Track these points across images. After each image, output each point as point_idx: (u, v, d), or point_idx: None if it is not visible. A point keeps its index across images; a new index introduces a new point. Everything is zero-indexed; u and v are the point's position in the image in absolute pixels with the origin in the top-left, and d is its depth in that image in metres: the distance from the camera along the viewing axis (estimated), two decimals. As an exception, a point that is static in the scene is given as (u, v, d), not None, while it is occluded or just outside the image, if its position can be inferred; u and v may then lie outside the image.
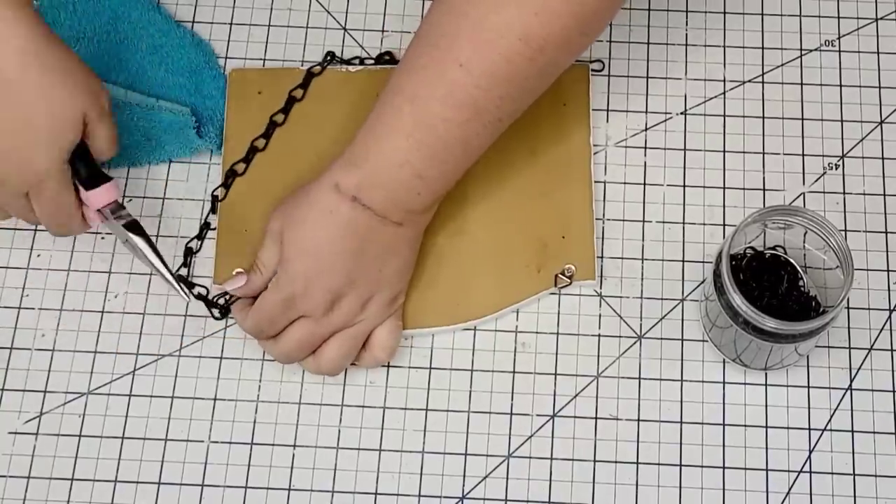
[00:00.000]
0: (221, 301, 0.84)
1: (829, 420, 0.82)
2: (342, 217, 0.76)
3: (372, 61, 0.92)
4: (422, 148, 0.76)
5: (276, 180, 0.87)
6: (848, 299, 0.77)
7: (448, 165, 0.77)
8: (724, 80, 0.92)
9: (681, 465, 0.81)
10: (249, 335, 0.81)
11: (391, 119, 0.76)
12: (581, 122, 0.89)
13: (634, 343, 0.84)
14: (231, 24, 0.94)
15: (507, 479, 0.80)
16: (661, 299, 0.85)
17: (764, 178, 0.89)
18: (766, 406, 0.82)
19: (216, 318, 0.84)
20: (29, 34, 0.72)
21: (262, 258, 0.80)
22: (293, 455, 0.81)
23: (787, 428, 0.81)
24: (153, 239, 0.85)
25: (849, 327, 0.84)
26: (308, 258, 0.77)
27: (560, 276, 0.84)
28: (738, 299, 0.75)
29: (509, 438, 0.81)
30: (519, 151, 0.87)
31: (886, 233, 0.87)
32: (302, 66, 0.92)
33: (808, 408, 0.82)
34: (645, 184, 0.88)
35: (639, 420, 0.82)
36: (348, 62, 0.92)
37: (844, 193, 0.88)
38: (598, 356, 0.83)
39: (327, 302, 0.78)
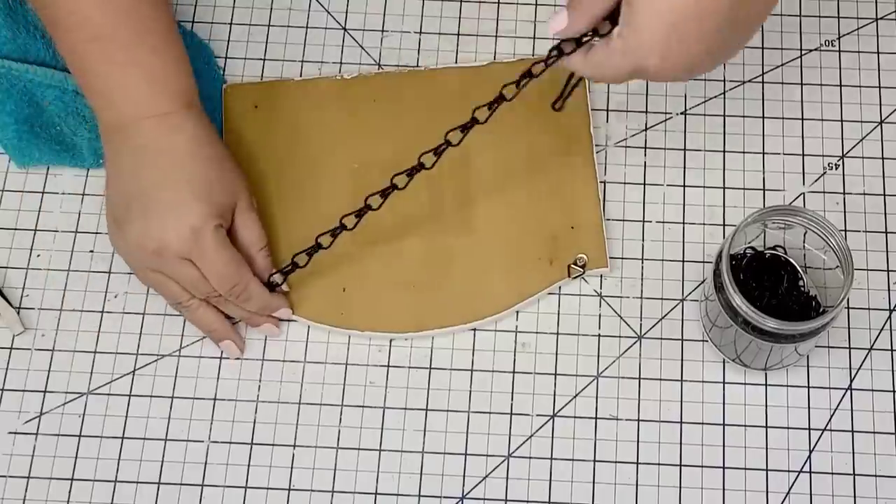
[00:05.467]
0: (275, 279, 0.82)
1: (829, 420, 0.82)
2: None
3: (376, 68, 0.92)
4: None
5: (274, 191, 0.87)
6: (848, 299, 0.77)
7: None
8: (724, 80, 0.92)
9: (681, 465, 0.81)
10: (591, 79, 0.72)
11: None
12: (580, 112, 0.89)
13: (634, 343, 0.84)
14: (231, 24, 0.94)
15: (507, 479, 0.80)
16: (661, 299, 0.85)
17: (764, 178, 0.89)
18: (766, 406, 0.82)
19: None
20: (203, 123, 0.81)
21: None
22: (293, 455, 0.81)
23: (787, 428, 0.81)
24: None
25: (849, 327, 0.84)
26: (671, 25, 0.64)
27: (573, 266, 0.84)
28: (738, 299, 0.75)
29: (509, 438, 0.81)
30: (520, 146, 0.88)
31: (886, 233, 0.87)
32: (301, 66, 0.92)
33: (808, 408, 0.82)
34: (645, 184, 0.88)
35: (639, 420, 0.82)
36: None
37: (844, 193, 0.88)
38: (598, 356, 0.83)
39: (686, 75, 0.67)
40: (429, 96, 0.90)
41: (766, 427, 0.81)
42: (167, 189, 0.78)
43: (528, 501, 0.80)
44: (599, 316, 0.85)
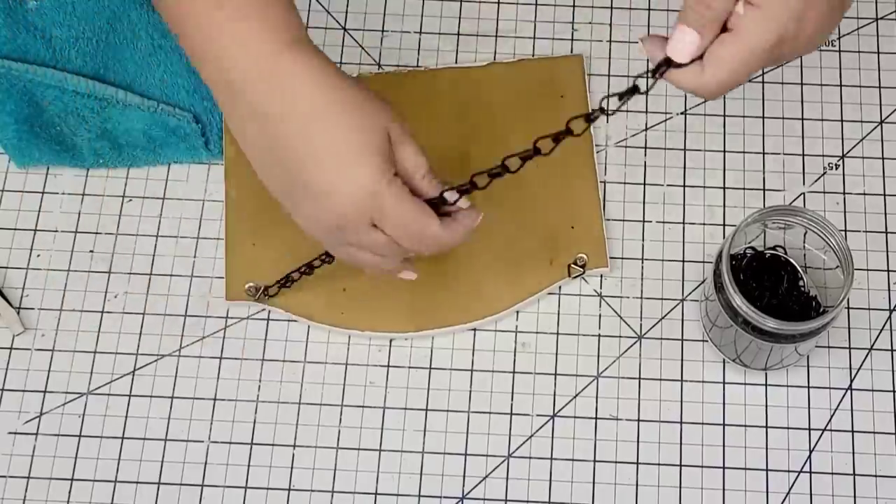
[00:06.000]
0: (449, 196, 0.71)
1: (829, 420, 0.82)
2: None
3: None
4: None
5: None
6: (848, 299, 0.77)
7: None
8: (724, 80, 0.92)
9: (681, 465, 0.81)
10: (704, 94, 0.63)
11: None
12: (579, 112, 0.89)
13: (634, 343, 0.84)
14: (231, 24, 0.94)
15: (507, 479, 0.80)
16: (661, 299, 0.85)
17: (764, 178, 0.89)
18: (766, 406, 0.82)
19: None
20: (318, 61, 0.68)
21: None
22: (293, 455, 0.81)
23: (787, 428, 0.81)
24: (156, 241, 0.85)
25: (849, 327, 0.84)
26: None
27: (573, 265, 0.84)
28: (738, 299, 0.75)
29: (509, 438, 0.81)
30: (520, 147, 0.88)
31: (886, 233, 0.87)
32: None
33: (808, 408, 0.82)
34: (645, 184, 0.88)
35: (639, 420, 0.82)
36: None
37: (844, 193, 0.88)
38: (598, 356, 0.83)
39: (820, 38, 0.63)
40: (428, 96, 0.90)
41: (766, 427, 0.81)
42: (320, 160, 0.67)
43: (528, 501, 0.80)
44: (599, 316, 0.85)
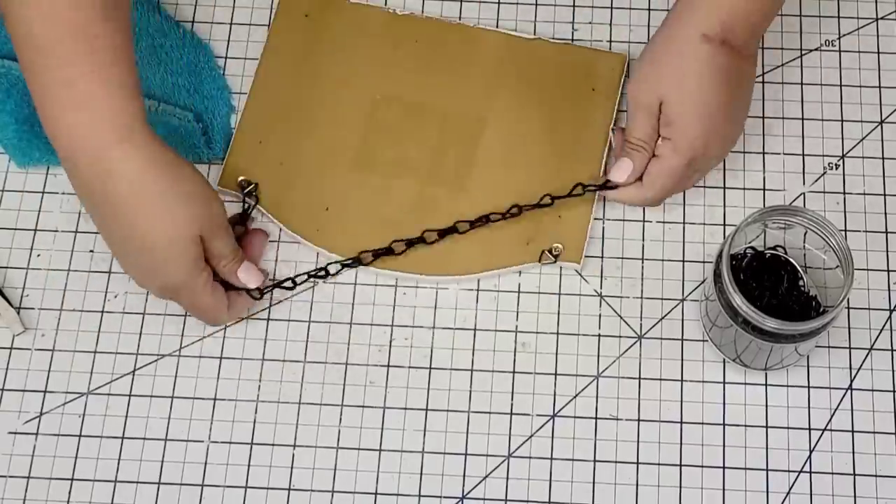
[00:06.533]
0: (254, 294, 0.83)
1: (829, 420, 0.82)
2: (722, 68, 0.79)
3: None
4: None
5: (301, 104, 0.89)
6: (848, 299, 0.77)
7: None
8: (724, 80, 0.92)
9: (681, 465, 0.81)
10: (647, 204, 0.84)
11: None
12: (606, 109, 0.89)
13: (634, 343, 0.84)
14: (231, 24, 0.94)
15: (507, 479, 0.80)
16: (661, 299, 0.85)
17: (764, 178, 0.89)
18: (766, 406, 0.82)
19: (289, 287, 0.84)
20: (143, 158, 0.75)
21: (637, 135, 0.82)
22: (293, 455, 0.81)
23: (787, 428, 0.81)
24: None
25: (849, 327, 0.84)
26: (705, 118, 0.80)
27: (546, 252, 0.85)
28: (738, 299, 0.75)
29: (509, 438, 0.81)
30: (539, 125, 0.88)
31: (886, 233, 0.87)
32: (302, 65, 0.92)
33: (808, 408, 0.82)
34: (645, 184, 0.88)
35: (639, 420, 0.82)
36: None
37: (844, 193, 0.88)
38: (598, 356, 0.83)
39: (724, 152, 0.85)
40: (467, 52, 0.92)
41: (767, 427, 0.81)
42: (135, 254, 0.77)
43: (528, 501, 0.80)
44: (599, 316, 0.85)
